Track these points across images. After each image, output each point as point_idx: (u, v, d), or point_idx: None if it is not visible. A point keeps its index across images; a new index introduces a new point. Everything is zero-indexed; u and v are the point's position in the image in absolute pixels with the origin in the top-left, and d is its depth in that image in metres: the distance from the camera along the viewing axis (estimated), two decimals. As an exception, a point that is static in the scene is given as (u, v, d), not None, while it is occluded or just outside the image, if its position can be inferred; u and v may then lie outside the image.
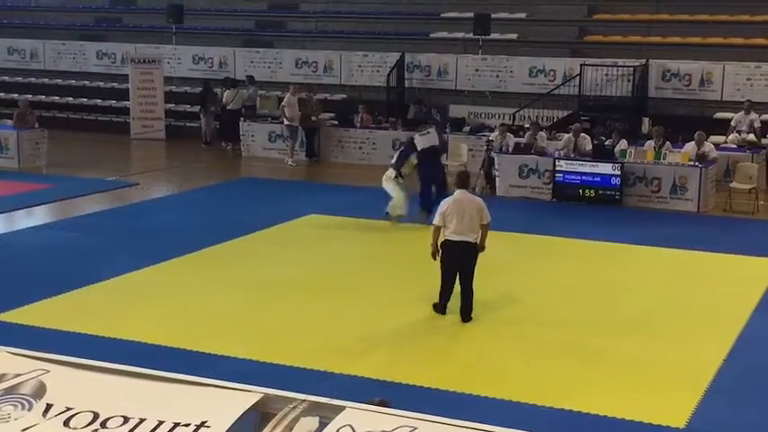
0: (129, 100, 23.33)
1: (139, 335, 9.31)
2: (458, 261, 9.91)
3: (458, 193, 10.05)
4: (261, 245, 13.25)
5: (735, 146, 17.93)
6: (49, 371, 2.95)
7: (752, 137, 18.06)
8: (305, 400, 2.76)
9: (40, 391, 2.92)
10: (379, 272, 11.99)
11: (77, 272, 11.48)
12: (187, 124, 23.44)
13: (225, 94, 21.83)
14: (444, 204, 10.01)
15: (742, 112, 18.47)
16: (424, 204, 14.32)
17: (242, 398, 2.78)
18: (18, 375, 2.96)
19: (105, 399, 2.86)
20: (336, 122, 20.99)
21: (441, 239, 9.94)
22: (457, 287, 10.09)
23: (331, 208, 15.36)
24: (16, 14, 28.33)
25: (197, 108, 22.81)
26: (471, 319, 10.02)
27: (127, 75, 23.44)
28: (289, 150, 20.18)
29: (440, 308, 10.14)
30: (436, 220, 9.97)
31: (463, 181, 10.24)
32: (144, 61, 23.36)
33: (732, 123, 18.44)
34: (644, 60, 20.02)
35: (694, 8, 21.56)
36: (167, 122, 23.27)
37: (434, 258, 10.01)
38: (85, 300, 10.61)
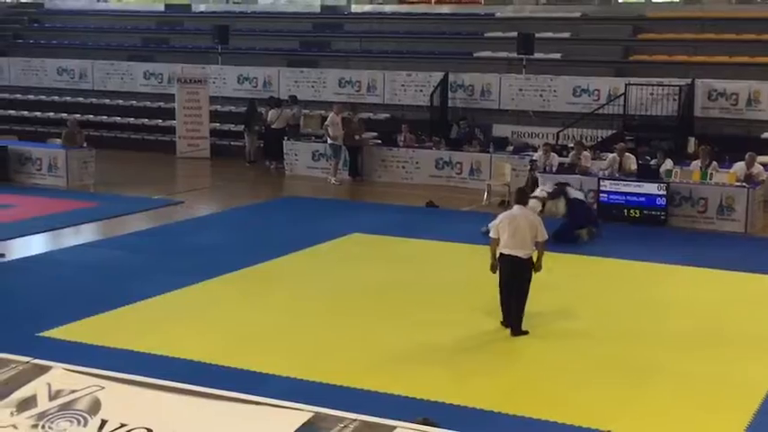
0: (175, 119, 23.62)
1: (186, 352, 9.38)
2: (508, 275, 10.05)
3: (515, 208, 10.25)
4: (304, 264, 13.30)
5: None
6: (103, 387, 3.00)
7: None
8: (356, 420, 2.77)
9: (95, 407, 2.96)
10: (422, 291, 11.96)
11: (124, 289, 11.61)
12: (231, 143, 23.65)
13: (269, 114, 22.01)
14: (499, 218, 10.21)
15: (791, 132, 18.26)
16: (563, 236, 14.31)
17: (294, 416, 2.79)
18: (74, 392, 3.01)
19: (159, 416, 2.90)
20: (379, 141, 21.05)
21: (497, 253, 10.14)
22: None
23: (374, 227, 15.39)
24: (66, 35, 28.85)
25: (241, 127, 23.02)
26: (521, 333, 10.09)
27: (173, 94, 23.75)
28: (332, 169, 20.27)
29: (506, 320, 10.26)
30: (492, 233, 10.19)
31: (521, 198, 10.43)
32: (190, 81, 23.65)
33: (781, 143, 18.23)
34: (690, 80, 19.86)
35: (741, 27, 21.37)
36: (212, 141, 23.50)
37: (493, 271, 10.19)
38: (131, 317, 10.72)
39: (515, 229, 9.98)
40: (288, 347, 9.77)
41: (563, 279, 12.53)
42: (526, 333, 10.12)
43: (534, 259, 10.10)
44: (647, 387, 8.81)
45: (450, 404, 8.20)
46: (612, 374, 9.11)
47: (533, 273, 10.12)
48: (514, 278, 10.06)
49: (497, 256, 10.12)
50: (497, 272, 10.17)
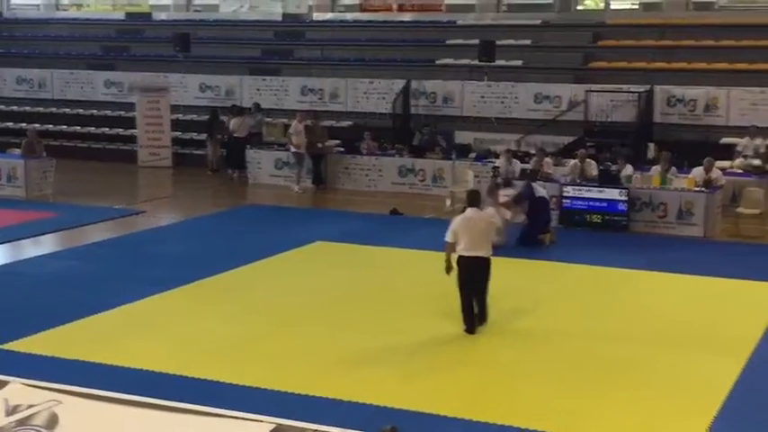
0: (136, 128, 23.45)
1: (147, 363, 9.30)
2: (471, 275, 10.26)
3: (469, 211, 10.46)
4: (267, 272, 13.25)
5: (741, 171, 17.93)
6: (61, 402, 2.98)
7: (757, 162, 18.06)
8: (317, 431, 2.77)
9: (52, 422, 2.94)
10: (385, 298, 11.97)
11: (84, 300, 11.49)
12: (194, 152, 23.52)
13: (231, 122, 21.92)
14: (456, 222, 10.37)
15: (747, 137, 18.50)
16: (527, 240, 14.75)
17: (256, 428, 2.79)
18: (31, 406, 2.98)
19: (117, 430, 2.88)
20: (342, 149, 21.05)
21: (454, 256, 10.33)
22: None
23: (338, 235, 15.38)
24: (25, 44, 28.54)
25: (204, 136, 22.91)
26: (485, 322, 10.46)
27: (134, 103, 23.57)
28: (295, 177, 20.23)
29: (469, 329, 10.41)
30: (449, 236, 10.34)
31: (474, 200, 10.64)
32: (151, 90, 23.49)
33: (738, 148, 18.46)
34: (649, 86, 20.08)
35: (698, 34, 21.64)
36: (174, 150, 23.37)
37: (447, 273, 10.38)
38: (93, 328, 10.61)
39: (473, 230, 10.25)
40: (250, 357, 9.72)
41: (526, 284, 12.63)
42: (486, 322, 10.52)
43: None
44: (610, 389, 8.89)
45: (413, 411, 8.19)
46: (575, 377, 9.17)
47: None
48: (477, 277, 10.31)
49: (457, 259, 10.28)
50: (459, 276, 10.31)
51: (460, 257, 10.27)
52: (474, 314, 10.42)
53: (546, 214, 15.31)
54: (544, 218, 15.20)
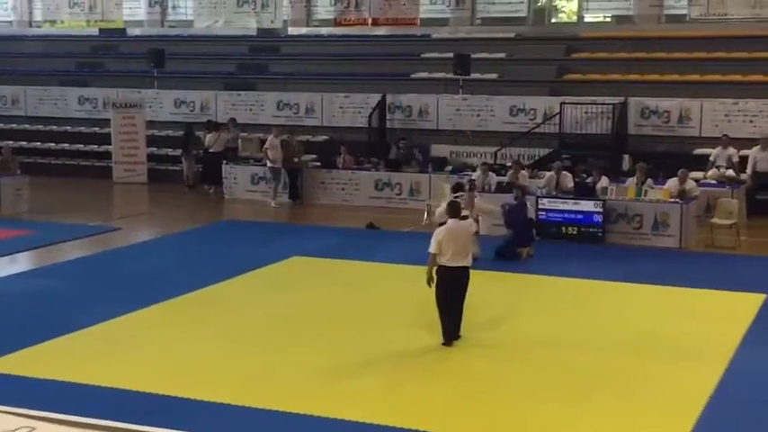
0: (111, 144, 23.34)
1: (123, 382, 9.22)
2: (453, 285, 10.34)
3: (451, 222, 10.54)
4: (244, 289, 13.19)
5: (715, 181, 18.08)
6: (35, 428, 2.93)
7: (731, 172, 18.23)
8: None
9: (25, 448, 2.90)
10: (363, 313, 11.94)
11: (59, 319, 11.38)
12: (169, 168, 23.44)
13: (207, 137, 21.86)
14: (440, 233, 10.42)
15: (720, 147, 18.66)
16: (505, 253, 14.82)
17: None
18: (4, 433, 2.94)
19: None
20: (319, 164, 21.04)
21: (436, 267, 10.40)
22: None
23: (314, 250, 15.35)
24: (-3, 61, 28.39)
25: (179, 151, 22.84)
26: (459, 336, 10.48)
27: (109, 119, 23.47)
28: (272, 192, 20.19)
29: (447, 341, 10.44)
30: (433, 248, 10.36)
31: (454, 211, 10.73)
32: (126, 106, 23.42)
33: (711, 158, 18.63)
34: (623, 98, 20.23)
35: (671, 47, 21.84)
36: (149, 166, 23.29)
37: (429, 285, 10.42)
38: (68, 347, 10.51)
39: (457, 240, 10.34)
40: (228, 374, 9.66)
41: (502, 296, 12.66)
42: (460, 337, 10.51)
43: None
44: (588, 399, 8.90)
45: (393, 427, 8.16)
46: (553, 388, 9.17)
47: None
48: (458, 287, 10.39)
49: (438, 268, 10.34)
50: (438, 288, 10.35)
51: (442, 268, 10.31)
52: (451, 320, 10.45)
53: (530, 232, 15.33)
54: (528, 235, 15.22)
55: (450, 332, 10.46)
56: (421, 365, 10.02)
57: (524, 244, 15.03)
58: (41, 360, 10.02)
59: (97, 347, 10.50)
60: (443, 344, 10.41)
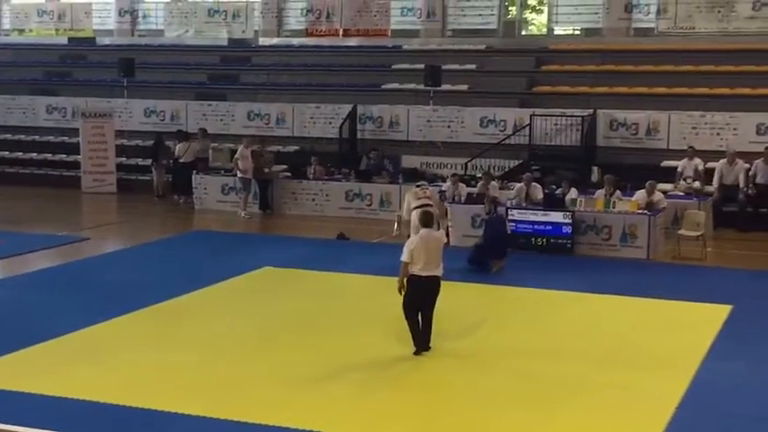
0: (79, 154, 23.19)
1: (92, 394, 9.14)
2: (423, 294, 10.41)
3: (424, 231, 10.64)
4: (215, 299, 13.14)
5: (682, 193, 18.27)
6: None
7: (697, 184, 18.45)
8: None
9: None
10: (333, 323, 11.94)
11: (25, 330, 11.26)
12: (139, 177, 23.34)
13: (177, 147, 21.78)
14: (412, 243, 10.50)
15: (686, 159, 18.89)
16: (475, 260, 14.96)
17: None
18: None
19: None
20: (289, 174, 21.02)
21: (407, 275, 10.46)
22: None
23: (285, 260, 15.33)
24: (-36, 69, 28.12)
25: (149, 161, 22.73)
26: (429, 348, 10.52)
27: (78, 129, 23.32)
28: (242, 203, 20.14)
29: (419, 350, 10.49)
30: (405, 257, 10.41)
31: (427, 220, 10.86)
32: (95, 115, 23.28)
33: (678, 169, 18.83)
34: (592, 110, 20.40)
35: (638, 59, 22.07)
36: (119, 176, 23.17)
37: (400, 293, 10.49)
38: (36, 359, 10.41)
39: (428, 249, 10.40)
40: (198, 385, 9.61)
41: (471, 307, 12.71)
42: (430, 348, 10.56)
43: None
44: (556, 408, 8.95)
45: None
46: (521, 397, 9.23)
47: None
48: (428, 296, 10.45)
49: (409, 277, 10.39)
50: (407, 297, 10.41)
51: (413, 277, 10.37)
52: (420, 329, 10.50)
53: (504, 245, 15.39)
54: (504, 248, 15.27)
55: (420, 340, 10.49)
56: (391, 375, 10.04)
57: (499, 257, 15.08)
58: (8, 371, 9.91)
59: (66, 359, 10.40)
60: (415, 353, 10.44)
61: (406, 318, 10.48)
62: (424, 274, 10.35)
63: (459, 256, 14.68)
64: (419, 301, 10.44)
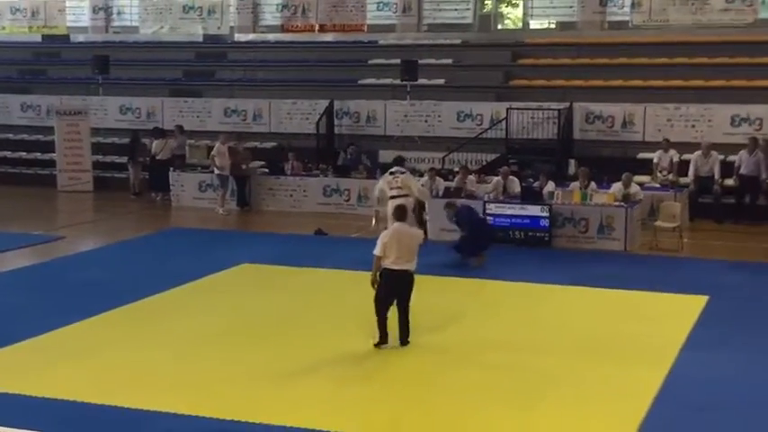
0: (55, 152, 23.02)
1: (70, 393, 9.09)
2: (396, 289, 10.46)
3: (396, 224, 10.69)
4: (193, 296, 13.09)
5: (658, 185, 18.38)
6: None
7: (672, 176, 18.57)
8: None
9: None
10: (311, 320, 11.91)
11: (2, 330, 11.16)
12: (115, 175, 23.20)
13: (153, 144, 21.67)
14: (385, 236, 10.52)
15: (661, 151, 19.00)
16: (460, 249, 15.01)
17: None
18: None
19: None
20: (267, 170, 20.96)
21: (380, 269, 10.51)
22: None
23: (263, 257, 15.29)
24: (-64, 67, 27.84)
25: (125, 159, 22.60)
26: (409, 342, 10.58)
27: (52, 127, 23.15)
28: (219, 199, 20.07)
29: (382, 340, 10.55)
30: (378, 250, 10.44)
31: (400, 214, 10.91)
32: (70, 113, 23.11)
33: (655, 160, 18.94)
34: (568, 103, 20.46)
35: (613, 52, 22.15)
36: (95, 174, 23.03)
37: (374, 287, 10.53)
38: (11, 359, 10.32)
39: (401, 243, 10.41)
40: (176, 382, 9.57)
41: (448, 301, 12.73)
42: (409, 342, 10.62)
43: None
44: (533, 402, 8.96)
45: (342, 434, 8.18)
46: (498, 392, 9.25)
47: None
48: (401, 290, 10.48)
49: (382, 271, 10.43)
50: (381, 290, 10.45)
51: (386, 271, 10.42)
52: (386, 324, 10.53)
53: (487, 236, 15.37)
54: (483, 236, 15.24)
55: (384, 334, 10.52)
56: (370, 370, 10.04)
57: (481, 247, 15.07)
58: (-16, 372, 9.84)
59: (42, 358, 10.33)
60: (375, 345, 10.50)
61: (376, 311, 10.53)
62: (395, 267, 10.38)
63: (437, 251, 14.69)
64: (391, 294, 10.49)
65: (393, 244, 10.39)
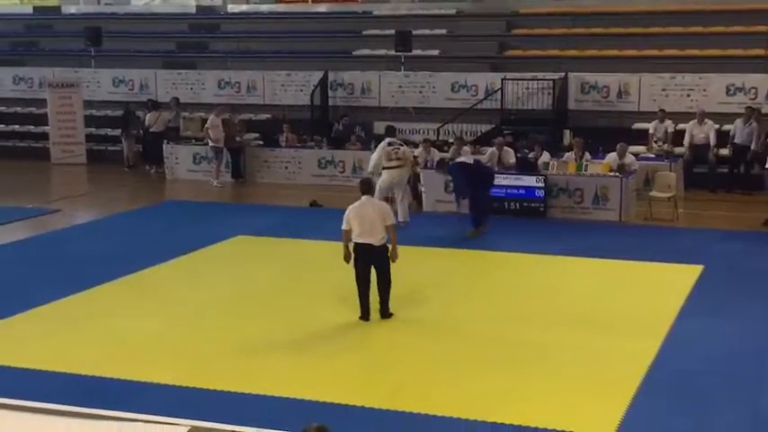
0: (48, 125, 22.92)
1: (66, 365, 9.12)
2: (367, 261, 10.45)
3: (363, 198, 10.61)
4: (188, 269, 13.09)
5: (653, 155, 18.37)
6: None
7: (668, 146, 18.55)
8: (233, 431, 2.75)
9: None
10: (305, 291, 11.93)
11: (-1, 303, 11.20)
12: (109, 148, 23.12)
13: (147, 117, 21.58)
14: (348, 211, 10.54)
15: (656, 121, 18.97)
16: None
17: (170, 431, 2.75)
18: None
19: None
20: (261, 142, 20.90)
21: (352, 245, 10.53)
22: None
23: (258, 229, 15.28)
24: (-73, 40, 27.63)
25: (118, 131, 22.51)
26: (391, 315, 10.57)
27: (45, 99, 23.03)
28: (214, 172, 20.02)
29: (363, 316, 10.55)
30: (343, 224, 10.50)
31: (366, 188, 10.77)
32: (62, 85, 22.99)
33: (650, 131, 18.92)
34: (563, 74, 20.39)
35: (609, 22, 22.05)
36: (88, 147, 22.94)
37: (347, 261, 10.55)
38: (8, 331, 10.35)
39: (363, 217, 10.40)
40: (172, 355, 9.60)
41: (446, 273, 12.74)
42: (391, 315, 10.58)
43: (390, 247, 10.51)
44: (524, 379, 8.95)
45: (338, 404, 8.19)
46: (491, 362, 9.28)
47: (391, 261, 10.51)
48: (374, 263, 10.46)
49: (353, 246, 10.46)
50: (355, 263, 10.49)
51: (355, 244, 10.46)
52: (367, 297, 10.52)
53: (486, 202, 15.22)
54: (483, 201, 15.10)
55: (365, 308, 10.53)
56: (359, 342, 10.08)
57: (481, 212, 14.94)
58: (-20, 345, 9.85)
59: (38, 331, 10.35)
60: (360, 318, 10.51)
61: (356, 283, 10.53)
62: (359, 240, 10.40)
63: (431, 222, 14.70)
64: (363, 267, 10.48)
65: (354, 217, 10.40)
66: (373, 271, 10.55)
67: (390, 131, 16.52)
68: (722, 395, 8.58)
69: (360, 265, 10.49)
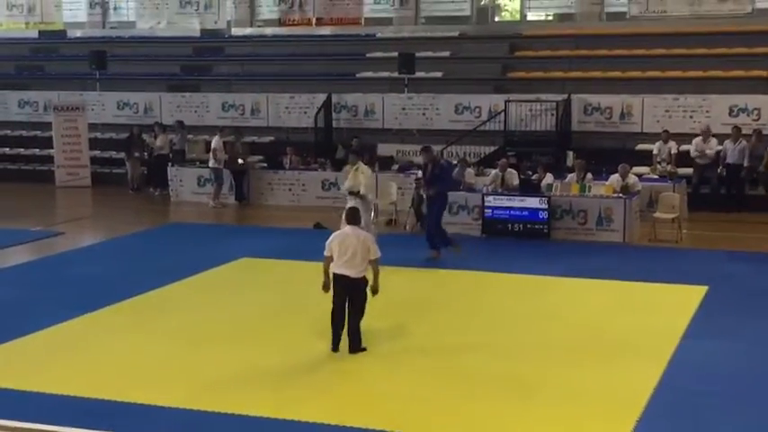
0: (53, 148, 23.01)
1: (71, 389, 9.10)
2: (343, 294, 10.06)
3: (347, 228, 10.22)
4: (192, 291, 13.09)
5: (656, 176, 18.39)
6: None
7: (671, 167, 18.60)
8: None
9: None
10: (310, 314, 11.87)
11: (3, 325, 11.17)
12: (113, 171, 23.20)
13: (158, 139, 21.71)
14: (332, 237, 10.21)
15: (660, 142, 19.02)
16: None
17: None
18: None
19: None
20: (265, 165, 20.95)
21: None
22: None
23: (262, 251, 15.29)
24: (-67, 64, 27.79)
25: (123, 154, 22.59)
26: (364, 349, 10.09)
27: (50, 123, 23.13)
28: (213, 193, 20.05)
29: (334, 347, 10.17)
30: (325, 251, 10.12)
31: (352, 217, 10.35)
32: (67, 109, 23.11)
33: (654, 152, 18.96)
34: (566, 95, 20.45)
35: (612, 44, 22.14)
36: (93, 169, 23.03)
37: (325, 290, 10.17)
38: (13, 354, 10.33)
39: (346, 248, 10.00)
40: (176, 377, 9.58)
41: (447, 295, 12.73)
42: (364, 349, 10.14)
43: (370, 280, 10.09)
44: (529, 401, 8.91)
45: (342, 426, 8.18)
46: (496, 385, 9.24)
47: (371, 294, 10.09)
48: (348, 298, 10.04)
49: (333, 275, 10.08)
50: (331, 292, 10.11)
51: (334, 274, 10.07)
52: (340, 327, 10.13)
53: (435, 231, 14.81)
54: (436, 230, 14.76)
55: (336, 339, 10.14)
56: (355, 369, 10.03)
57: (435, 234, 14.66)
58: (-15, 368, 9.84)
59: (43, 354, 10.34)
60: (331, 349, 10.14)
61: (331, 314, 10.15)
62: (336, 271, 10.01)
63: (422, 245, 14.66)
64: (337, 299, 10.06)
65: (336, 246, 10.01)
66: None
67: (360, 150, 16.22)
68: (728, 417, 8.54)
69: (336, 297, 10.07)
